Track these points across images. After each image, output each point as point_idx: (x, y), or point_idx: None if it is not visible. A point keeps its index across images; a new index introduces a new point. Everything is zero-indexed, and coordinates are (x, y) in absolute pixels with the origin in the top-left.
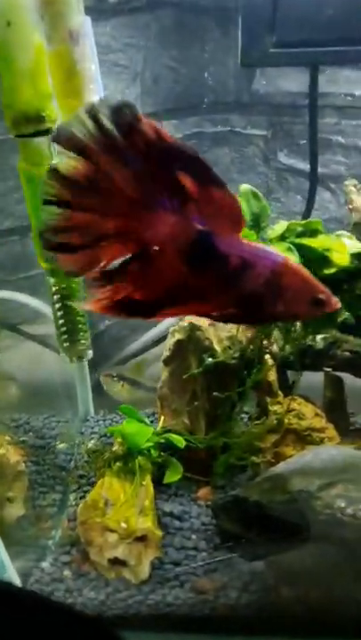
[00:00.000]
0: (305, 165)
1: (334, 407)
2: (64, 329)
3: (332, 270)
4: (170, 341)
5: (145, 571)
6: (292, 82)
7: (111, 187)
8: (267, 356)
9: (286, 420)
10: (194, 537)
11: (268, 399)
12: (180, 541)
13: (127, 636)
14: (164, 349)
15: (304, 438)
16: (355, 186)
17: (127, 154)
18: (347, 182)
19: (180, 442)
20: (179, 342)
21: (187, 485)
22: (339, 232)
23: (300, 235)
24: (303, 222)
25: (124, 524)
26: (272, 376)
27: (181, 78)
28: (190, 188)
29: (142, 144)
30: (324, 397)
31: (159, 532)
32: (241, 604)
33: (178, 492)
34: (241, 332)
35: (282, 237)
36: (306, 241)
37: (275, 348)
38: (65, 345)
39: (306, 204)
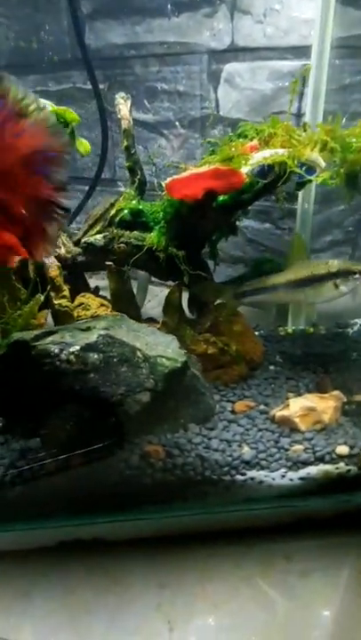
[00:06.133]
0: (140, 115)
1: (119, 297)
2: None
3: None
4: None
5: None
6: (117, 35)
7: None
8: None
9: (75, 313)
10: None
11: (53, 293)
12: None
13: None
14: None
15: None
16: (122, 97)
17: None
18: (117, 95)
19: None
20: None
21: None
22: None
23: None
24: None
25: None
26: (54, 272)
27: (14, 36)
28: None
29: None
30: (109, 289)
31: None
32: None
33: None
34: None
35: None
36: None
37: (62, 250)
38: None
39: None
